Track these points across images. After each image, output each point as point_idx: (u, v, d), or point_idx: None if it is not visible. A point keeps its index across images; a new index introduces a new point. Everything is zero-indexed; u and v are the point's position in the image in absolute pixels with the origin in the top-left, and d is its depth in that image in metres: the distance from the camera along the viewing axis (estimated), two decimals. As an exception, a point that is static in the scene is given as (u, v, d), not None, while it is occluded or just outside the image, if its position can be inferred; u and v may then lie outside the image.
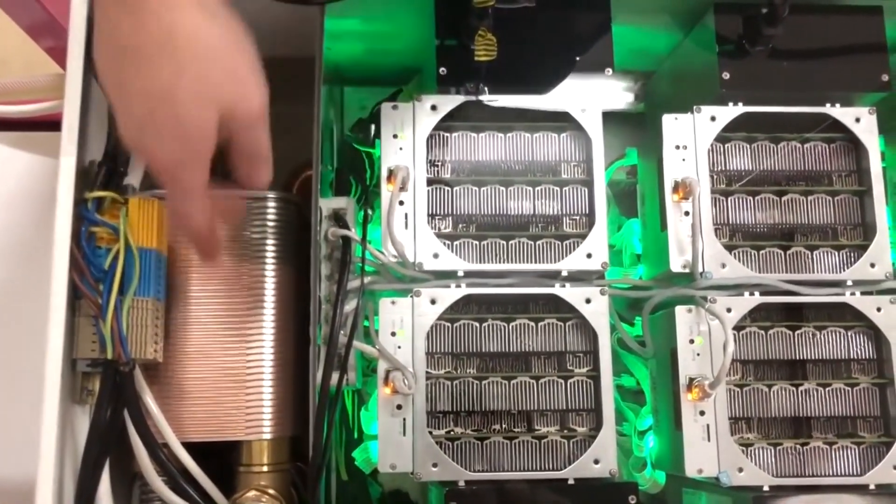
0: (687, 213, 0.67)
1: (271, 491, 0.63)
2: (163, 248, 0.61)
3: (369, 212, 0.68)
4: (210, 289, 0.64)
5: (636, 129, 0.80)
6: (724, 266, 0.66)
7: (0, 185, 0.83)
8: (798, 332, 0.67)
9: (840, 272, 0.67)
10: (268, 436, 0.63)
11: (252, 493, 0.62)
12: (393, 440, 0.63)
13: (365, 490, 0.76)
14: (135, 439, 0.60)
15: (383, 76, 0.81)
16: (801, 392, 0.67)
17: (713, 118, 0.68)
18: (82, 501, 0.58)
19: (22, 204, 0.86)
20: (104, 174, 0.59)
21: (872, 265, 0.67)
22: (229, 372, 0.63)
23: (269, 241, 0.65)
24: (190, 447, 0.61)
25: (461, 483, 0.62)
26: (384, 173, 0.65)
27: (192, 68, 0.47)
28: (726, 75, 0.68)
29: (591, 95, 0.68)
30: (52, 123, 0.61)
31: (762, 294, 0.66)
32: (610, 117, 0.69)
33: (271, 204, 0.66)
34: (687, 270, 0.66)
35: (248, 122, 0.51)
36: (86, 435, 0.59)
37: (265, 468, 0.64)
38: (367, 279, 0.64)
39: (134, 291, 0.58)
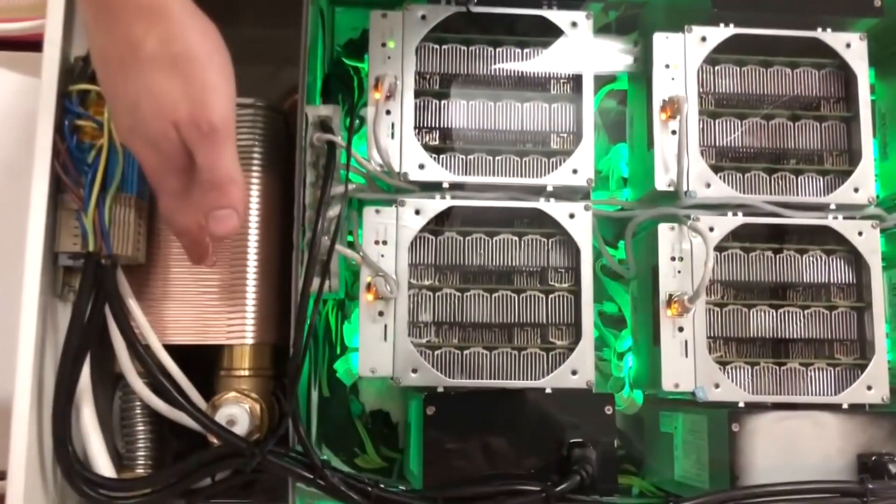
0: (674, 133, 0.67)
1: (253, 395, 0.63)
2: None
3: (356, 122, 0.68)
4: (194, 192, 0.63)
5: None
6: (708, 186, 0.66)
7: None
8: (780, 255, 0.68)
9: (824, 196, 0.68)
10: (250, 341, 0.64)
11: (232, 395, 0.62)
12: (374, 346, 0.63)
13: (346, 408, 0.77)
14: (115, 336, 0.60)
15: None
16: (781, 314, 0.67)
17: (704, 38, 0.68)
18: (62, 396, 0.59)
19: (6, 124, 0.85)
20: (88, 68, 0.59)
21: (856, 190, 0.67)
22: (212, 276, 0.63)
23: (256, 149, 0.65)
24: (172, 355, 0.62)
25: (440, 389, 0.63)
26: (371, 81, 0.65)
27: (155, 82, 0.48)
28: (718, -6, 0.67)
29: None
30: (36, 44, 0.60)
31: (745, 215, 0.67)
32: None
33: (259, 112, 0.65)
34: (672, 189, 0.66)
35: (201, 134, 0.49)
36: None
37: (246, 373, 0.64)
38: (351, 187, 0.64)
39: (117, 187, 0.58)
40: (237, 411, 0.61)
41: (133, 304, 0.61)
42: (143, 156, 0.51)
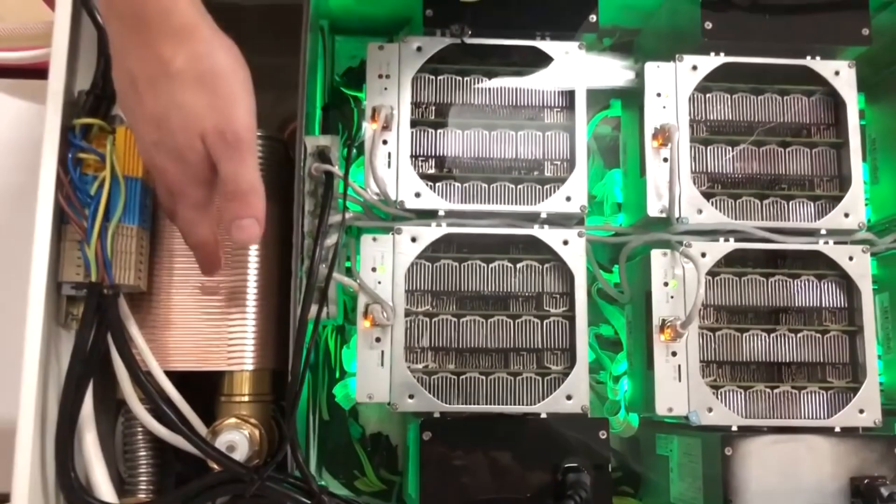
0: (666, 160, 0.68)
1: (252, 420, 0.64)
2: (149, 178, 0.62)
3: (353, 151, 0.69)
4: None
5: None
6: (700, 212, 0.67)
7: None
8: (772, 279, 0.69)
9: (815, 221, 0.69)
10: (249, 367, 0.65)
11: (232, 421, 0.63)
12: (371, 371, 0.64)
13: (346, 431, 0.77)
14: (118, 364, 0.61)
15: (374, 26, 0.81)
16: (773, 338, 0.68)
17: (695, 67, 0.69)
18: (65, 423, 0.59)
19: (11, 150, 0.86)
20: (91, 102, 0.60)
21: (847, 215, 0.68)
22: (213, 303, 0.64)
23: (256, 178, 0.66)
24: (173, 381, 0.62)
25: (436, 414, 0.64)
26: (368, 112, 0.66)
27: (184, 96, 0.50)
28: (709, 25, 0.69)
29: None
30: (42, 72, 0.61)
31: (737, 240, 0.68)
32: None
33: (258, 141, 0.67)
34: (664, 215, 0.67)
35: (226, 144, 0.51)
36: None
37: (246, 398, 0.65)
38: (349, 215, 0.65)
39: (119, 218, 0.59)
40: (237, 437, 0.62)
41: (135, 332, 0.62)
42: (167, 169, 0.53)
